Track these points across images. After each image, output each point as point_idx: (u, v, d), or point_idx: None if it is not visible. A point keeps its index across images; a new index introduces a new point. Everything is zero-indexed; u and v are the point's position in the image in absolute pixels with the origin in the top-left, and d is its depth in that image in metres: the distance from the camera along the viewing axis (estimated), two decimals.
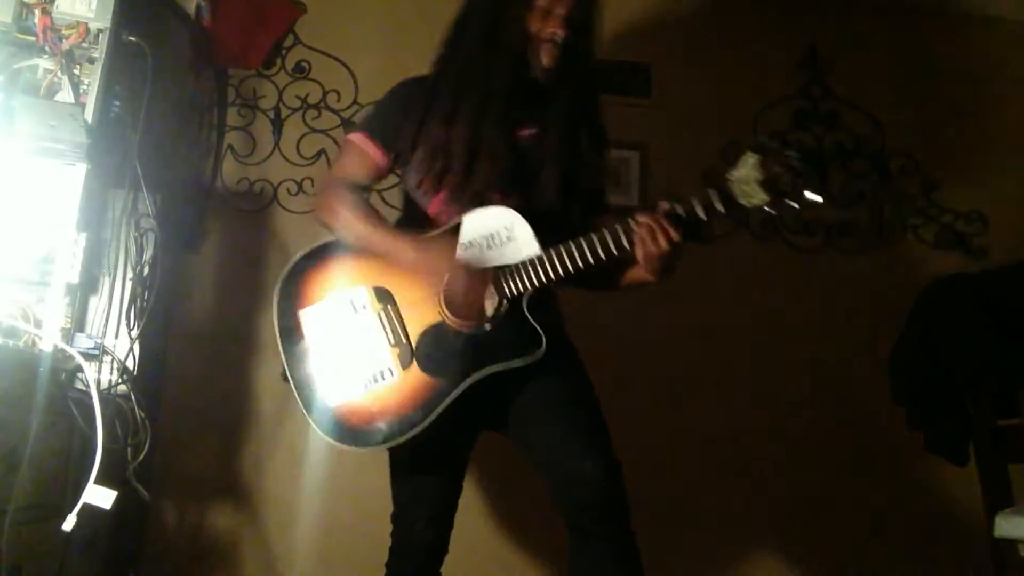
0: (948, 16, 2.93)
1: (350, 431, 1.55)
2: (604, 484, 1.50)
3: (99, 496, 1.53)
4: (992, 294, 2.10)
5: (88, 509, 1.52)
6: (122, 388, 1.89)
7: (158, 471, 2.24)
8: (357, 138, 1.70)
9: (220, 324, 2.49)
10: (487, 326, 1.55)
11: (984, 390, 2.02)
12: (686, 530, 2.45)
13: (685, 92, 2.79)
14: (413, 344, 1.56)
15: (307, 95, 2.68)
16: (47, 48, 1.78)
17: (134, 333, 1.93)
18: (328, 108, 2.67)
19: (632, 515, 1.53)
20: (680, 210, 1.50)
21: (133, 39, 1.87)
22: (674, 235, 1.48)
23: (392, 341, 1.57)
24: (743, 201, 1.49)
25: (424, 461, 1.65)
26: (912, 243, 2.80)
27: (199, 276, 2.51)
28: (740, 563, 2.53)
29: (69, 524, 1.49)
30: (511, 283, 1.55)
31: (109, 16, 1.78)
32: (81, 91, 1.79)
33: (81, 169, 1.77)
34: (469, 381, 1.52)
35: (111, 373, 1.88)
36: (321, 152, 2.65)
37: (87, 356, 1.69)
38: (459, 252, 1.56)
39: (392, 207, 2.37)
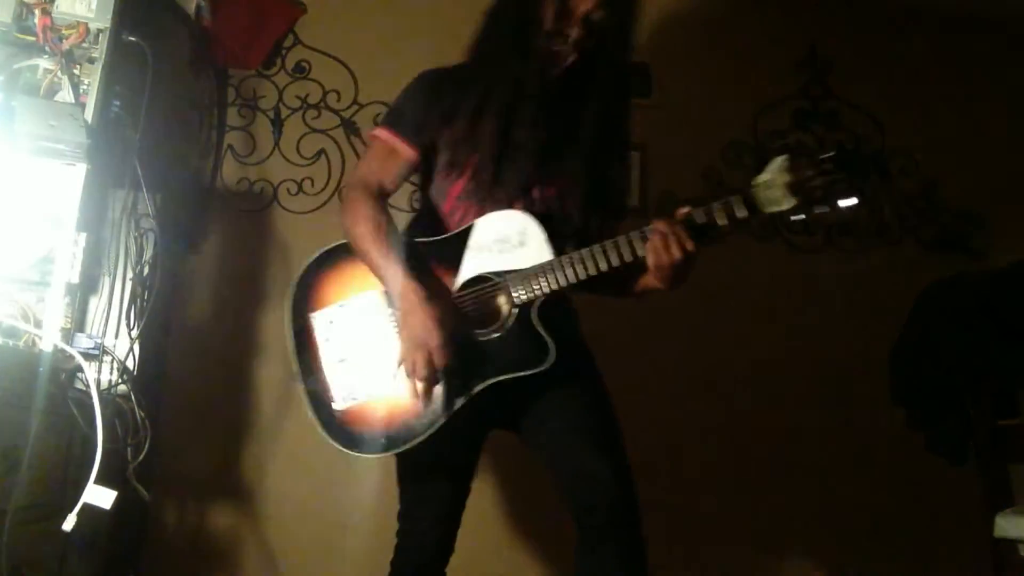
0: (948, 16, 2.93)
1: (356, 437, 1.54)
2: (614, 488, 1.50)
3: (99, 496, 1.53)
4: (992, 294, 2.10)
5: (88, 509, 1.52)
6: (122, 388, 1.89)
7: (158, 471, 2.24)
8: (383, 134, 1.65)
9: (220, 324, 2.49)
10: (496, 334, 1.53)
11: (984, 390, 2.02)
12: (684, 530, 2.45)
13: (685, 92, 2.79)
14: None
15: (307, 95, 2.68)
16: (47, 48, 1.78)
17: (134, 333, 1.94)
18: (328, 108, 2.67)
19: (642, 520, 1.52)
20: (699, 217, 1.47)
21: (133, 39, 1.87)
22: (688, 245, 1.45)
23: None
24: (769, 208, 1.45)
25: (432, 462, 1.63)
26: (912, 243, 2.80)
27: (199, 276, 2.51)
28: (740, 563, 2.52)
29: (69, 524, 1.49)
30: (521, 290, 1.52)
31: (109, 16, 1.78)
32: (81, 91, 1.79)
33: (81, 169, 1.77)
34: (475, 390, 1.51)
35: (111, 373, 1.88)
36: (321, 152, 2.65)
37: (87, 356, 1.69)
38: (465, 260, 1.54)
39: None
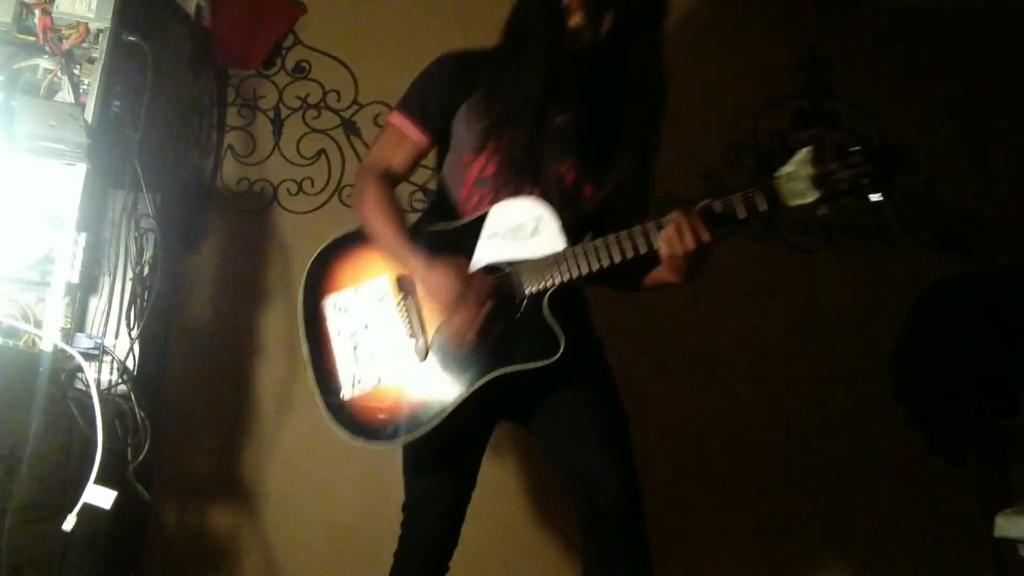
0: (948, 16, 2.93)
1: (363, 425, 1.53)
2: (621, 494, 1.50)
3: (99, 496, 1.53)
4: (992, 295, 2.10)
5: (88, 509, 1.52)
6: (122, 388, 1.89)
7: (158, 471, 2.24)
8: (395, 119, 1.65)
9: (220, 324, 2.49)
10: (507, 323, 1.50)
11: (984, 390, 2.02)
12: (684, 531, 2.45)
13: (685, 92, 2.78)
14: (430, 338, 1.54)
15: (307, 95, 2.68)
16: (47, 48, 1.78)
17: (134, 333, 1.93)
18: (328, 108, 2.67)
19: (647, 520, 1.52)
20: (717, 207, 1.44)
21: (133, 39, 1.87)
22: (704, 235, 1.41)
23: (409, 333, 1.55)
24: (791, 201, 1.41)
25: (438, 454, 1.62)
26: (912, 243, 2.80)
27: (199, 276, 2.51)
28: (739, 563, 2.52)
29: (69, 524, 1.49)
30: (533, 279, 1.50)
31: (109, 16, 1.78)
32: (81, 91, 1.79)
33: (81, 169, 1.77)
34: (483, 381, 1.49)
35: (111, 373, 1.88)
36: (321, 152, 2.65)
37: (87, 356, 1.69)
38: (476, 255, 1.53)
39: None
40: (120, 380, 1.89)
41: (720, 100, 2.80)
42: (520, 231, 1.52)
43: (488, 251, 1.54)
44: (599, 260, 1.47)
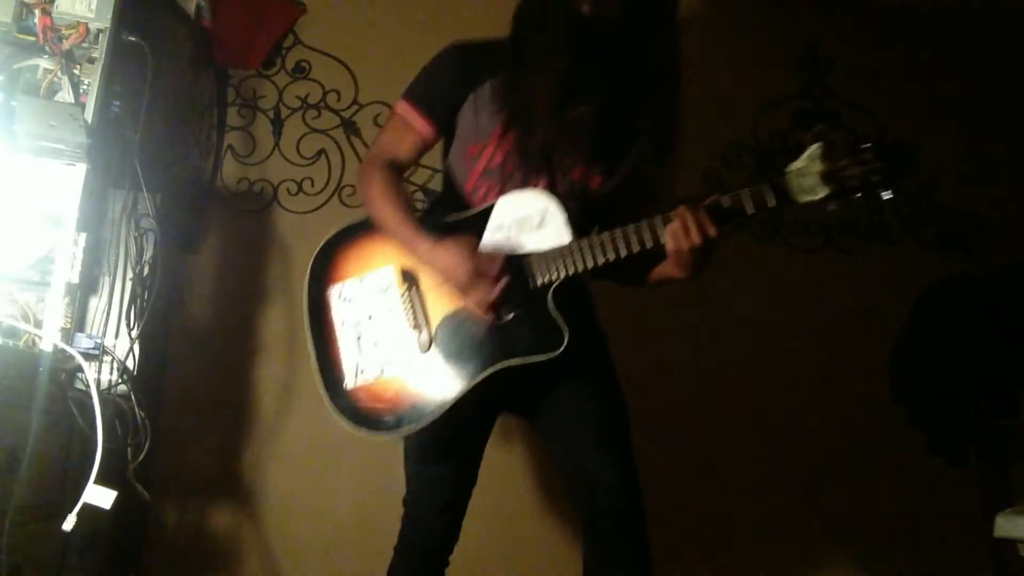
0: (948, 16, 2.93)
1: (364, 415, 1.53)
2: (621, 495, 1.50)
3: (99, 496, 1.53)
4: (993, 295, 2.10)
5: (88, 509, 1.52)
6: (122, 388, 1.89)
7: (158, 471, 2.24)
8: (401, 108, 1.63)
9: (220, 324, 2.49)
10: (511, 315, 1.49)
11: (984, 390, 2.02)
12: (684, 531, 2.45)
13: (685, 92, 2.78)
14: (433, 329, 1.53)
15: (307, 95, 2.68)
16: (47, 48, 1.79)
17: (134, 333, 1.94)
18: (328, 108, 2.67)
19: (647, 520, 1.52)
20: (725, 202, 1.43)
21: (133, 39, 1.87)
22: (710, 230, 1.39)
23: (412, 325, 1.54)
24: (801, 198, 1.40)
25: (440, 446, 1.61)
26: (912, 243, 2.80)
27: (199, 276, 2.51)
28: (739, 563, 2.52)
29: (69, 524, 1.49)
30: (537, 272, 1.49)
31: (109, 16, 1.78)
32: (81, 91, 1.79)
33: (81, 169, 1.77)
34: (486, 374, 1.48)
35: (111, 373, 1.88)
36: (321, 152, 2.65)
37: (87, 356, 1.69)
38: (483, 242, 1.52)
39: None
40: (120, 380, 1.89)
41: (720, 100, 2.80)
42: (526, 223, 1.51)
43: (494, 243, 1.53)
44: (605, 254, 1.46)
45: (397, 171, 1.63)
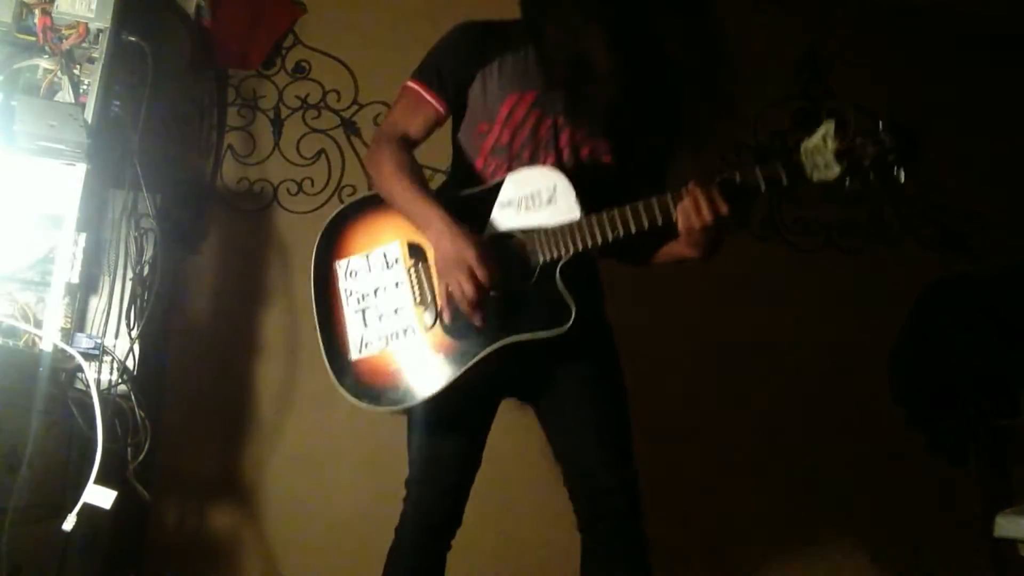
0: (948, 16, 2.93)
1: (367, 388, 1.52)
2: (620, 492, 1.50)
3: (99, 496, 1.53)
4: (993, 294, 2.10)
5: (88, 509, 1.52)
6: (122, 388, 1.89)
7: (158, 471, 2.24)
8: (413, 86, 1.63)
9: (220, 324, 2.49)
10: (518, 291, 1.48)
11: (984, 390, 2.02)
12: (683, 531, 2.45)
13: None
14: (439, 304, 1.52)
15: (307, 95, 2.68)
16: (47, 48, 1.79)
17: (134, 333, 1.94)
18: (328, 108, 2.67)
19: (644, 519, 1.52)
20: (738, 179, 1.41)
21: (133, 39, 1.87)
22: (722, 207, 1.38)
23: (418, 299, 1.53)
24: (813, 174, 1.38)
25: (443, 425, 1.59)
26: (912, 243, 2.80)
27: (199, 276, 2.51)
28: (737, 564, 2.52)
29: (69, 524, 1.49)
30: (546, 248, 1.48)
31: (109, 16, 1.78)
32: (81, 91, 1.79)
33: (81, 169, 1.77)
34: (490, 349, 1.46)
35: (111, 373, 1.88)
36: (321, 152, 2.65)
37: (87, 356, 1.69)
38: (493, 216, 1.51)
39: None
40: (120, 380, 1.89)
41: (720, 100, 2.80)
42: (535, 199, 1.50)
43: (502, 219, 1.52)
44: (614, 231, 1.45)
45: (408, 147, 1.62)
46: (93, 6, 1.77)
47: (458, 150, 1.68)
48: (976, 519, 2.02)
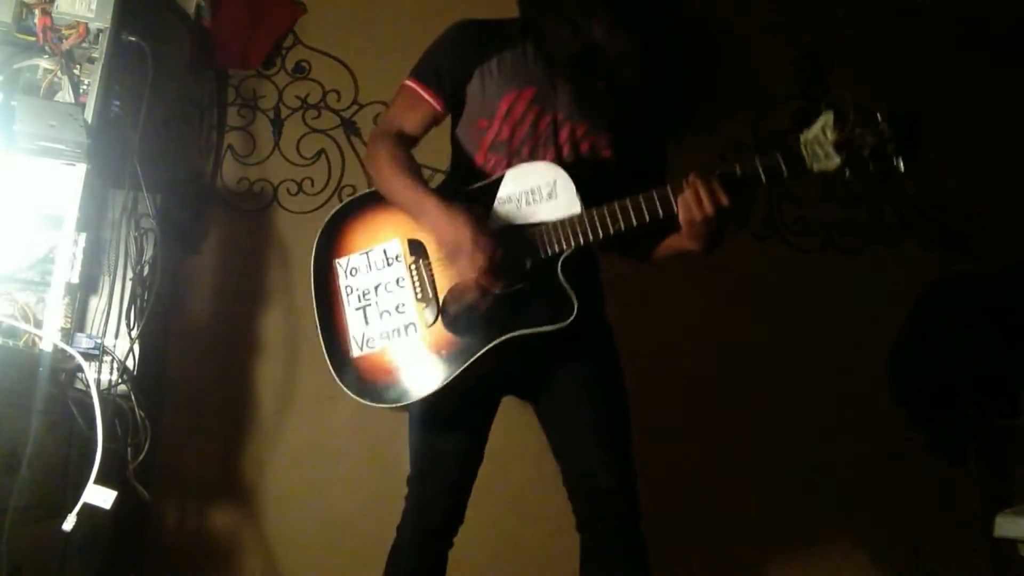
0: (948, 16, 2.93)
1: (369, 385, 1.52)
2: (619, 493, 1.50)
3: (99, 496, 1.53)
4: (993, 294, 2.10)
5: (88, 509, 1.52)
6: (122, 388, 1.89)
7: (158, 471, 2.24)
8: (410, 84, 1.63)
9: (220, 324, 2.49)
10: (518, 286, 1.48)
11: (984, 390, 2.02)
12: (682, 531, 2.45)
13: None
14: (440, 300, 1.52)
15: (307, 95, 2.68)
16: (47, 48, 1.79)
17: (134, 333, 1.94)
18: (328, 108, 2.67)
19: (643, 519, 1.52)
20: (738, 170, 1.41)
21: (133, 39, 1.87)
22: (723, 199, 1.38)
23: (419, 296, 1.53)
24: (813, 165, 1.39)
25: (444, 423, 1.59)
26: (912, 243, 2.80)
27: (199, 276, 2.51)
28: (737, 564, 2.52)
29: (69, 524, 1.49)
30: (547, 242, 1.49)
31: (109, 16, 1.78)
32: (81, 91, 1.79)
33: (81, 169, 1.77)
34: (492, 344, 1.46)
35: (111, 373, 1.88)
36: (321, 152, 2.65)
37: (87, 356, 1.69)
38: (492, 213, 1.51)
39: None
40: (120, 380, 1.89)
41: (720, 100, 2.80)
42: (536, 194, 1.50)
43: (502, 214, 1.52)
44: (615, 224, 1.45)
45: (404, 142, 1.63)
46: (93, 6, 1.77)
47: (457, 147, 1.68)
48: (976, 519, 2.02)
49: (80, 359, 1.64)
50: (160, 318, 2.24)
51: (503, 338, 1.46)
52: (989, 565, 2.00)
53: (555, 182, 1.50)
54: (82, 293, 1.84)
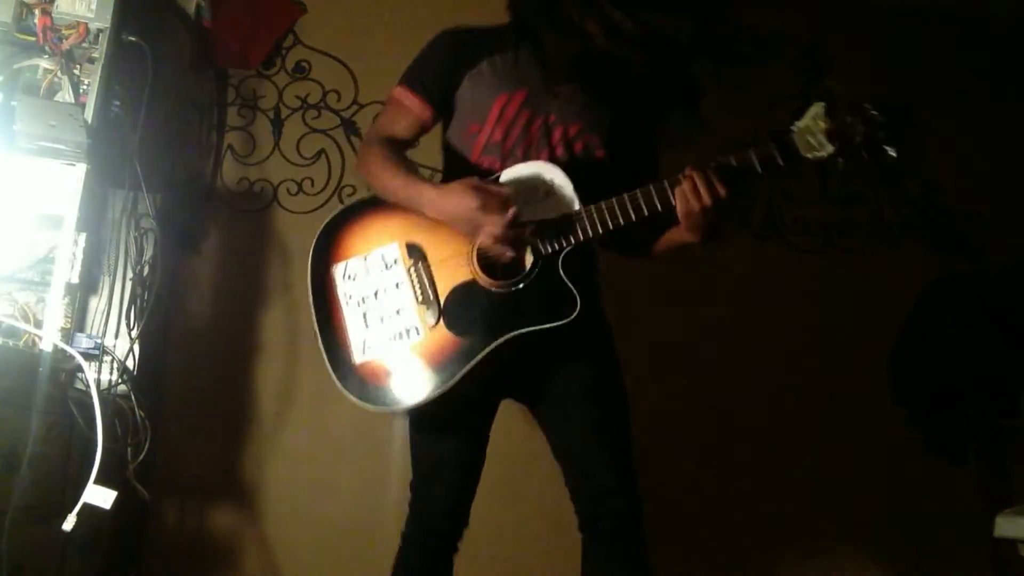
0: (948, 16, 2.93)
1: (372, 390, 1.52)
2: (620, 493, 1.50)
3: (99, 496, 1.53)
4: (993, 294, 2.10)
5: (88, 509, 1.52)
6: (122, 388, 1.89)
7: (158, 471, 2.24)
8: (398, 92, 1.65)
9: (220, 324, 2.49)
10: (519, 286, 1.49)
11: (985, 390, 2.02)
12: (682, 531, 2.45)
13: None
14: (441, 302, 1.52)
15: (307, 95, 2.68)
16: (47, 48, 1.79)
17: (134, 333, 1.94)
18: (328, 108, 2.68)
19: (644, 520, 1.52)
20: (733, 161, 1.43)
21: (133, 39, 1.87)
22: (720, 189, 1.40)
23: (420, 298, 1.53)
24: (807, 153, 1.41)
25: (444, 427, 1.59)
26: (912, 243, 2.80)
27: (199, 276, 2.51)
28: (738, 564, 2.52)
29: (69, 524, 1.49)
30: (547, 240, 1.49)
31: (109, 16, 1.78)
32: (81, 91, 1.79)
33: (81, 169, 1.77)
34: (496, 343, 1.46)
35: (111, 373, 1.88)
36: (321, 152, 2.65)
37: (87, 356, 1.69)
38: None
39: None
40: (120, 380, 1.89)
41: (720, 100, 2.79)
42: (532, 193, 1.50)
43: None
44: (614, 219, 1.46)
45: (395, 145, 1.63)
46: (93, 6, 1.77)
47: (450, 151, 1.69)
48: (976, 519, 2.02)
49: (80, 359, 1.64)
50: (160, 318, 2.24)
51: (507, 336, 1.46)
52: (989, 565, 2.00)
53: (552, 181, 1.50)
54: (82, 293, 1.84)
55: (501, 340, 1.47)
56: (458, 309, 1.51)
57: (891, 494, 2.57)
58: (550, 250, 1.49)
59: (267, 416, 2.46)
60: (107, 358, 1.86)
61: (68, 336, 1.75)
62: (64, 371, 1.71)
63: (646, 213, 1.46)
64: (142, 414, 1.84)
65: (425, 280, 1.54)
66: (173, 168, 2.44)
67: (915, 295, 2.29)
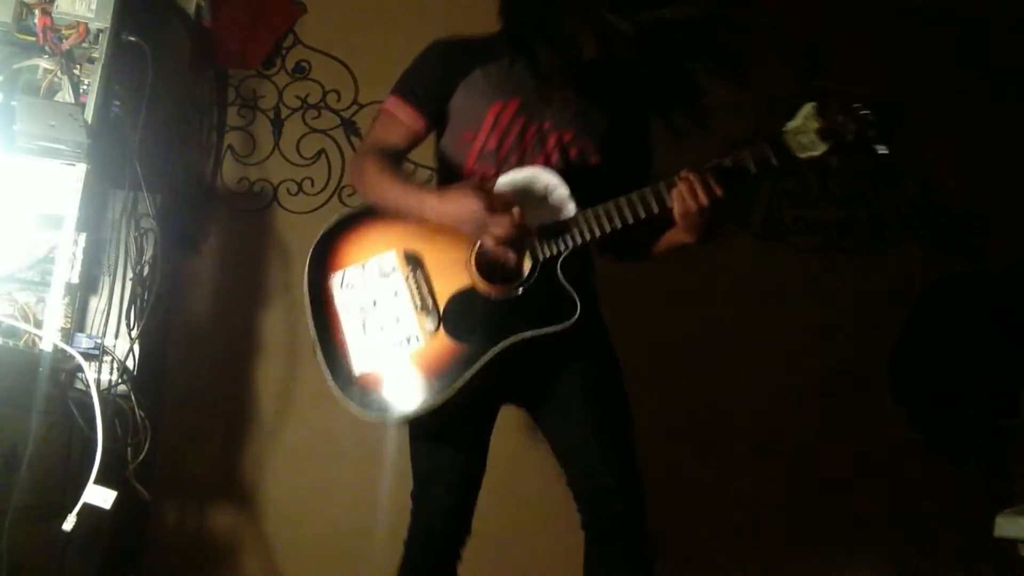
0: (948, 15, 2.93)
1: (373, 399, 1.51)
2: (621, 494, 1.50)
3: (99, 496, 1.53)
4: (993, 294, 2.10)
5: (88, 509, 1.52)
6: (122, 388, 1.89)
7: (158, 471, 2.24)
8: (390, 103, 1.65)
9: (220, 324, 2.49)
10: (519, 290, 1.49)
11: (985, 390, 2.03)
12: (683, 531, 2.45)
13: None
14: (440, 309, 1.52)
15: (307, 95, 2.67)
16: (47, 48, 1.79)
17: (134, 333, 1.94)
18: (328, 108, 2.67)
19: (647, 520, 1.52)
20: (727, 163, 1.45)
21: (133, 39, 1.87)
22: (717, 189, 1.43)
23: (419, 306, 1.53)
24: (799, 153, 1.44)
25: (446, 431, 1.59)
26: (912, 243, 2.80)
27: (199, 276, 2.51)
28: (738, 564, 2.52)
29: (69, 524, 1.49)
30: (545, 245, 1.50)
31: (109, 16, 1.78)
32: (81, 91, 1.79)
33: (81, 169, 1.77)
34: (497, 348, 1.47)
35: (111, 373, 1.88)
36: (321, 152, 2.65)
37: (87, 356, 1.69)
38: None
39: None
40: (120, 380, 1.89)
41: (720, 100, 2.80)
42: (529, 199, 1.50)
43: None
44: (611, 222, 1.47)
45: (388, 155, 1.63)
46: (93, 6, 1.77)
47: (443, 159, 1.69)
48: (976, 519, 2.02)
49: (80, 359, 1.64)
50: (160, 318, 2.24)
51: (508, 341, 1.47)
52: (989, 565, 2.00)
53: (548, 185, 1.51)
54: (82, 293, 1.84)
55: (502, 345, 1.47)
56: (457, 316, 1.51)
57: (891, 494, 2.57)
58: (549, 254, 1.50)
59: (267, 416, 2.46)
60: (107, 358, 1.86)
61: (68, 336, 1.75)
62: (64, 371, 1.71)
63: (643, 215, 1.47)
64: (142, 414, 1.84)
65: (424, 287, 1.54)
66: (173, 168, 2.44)
67: (915, 295, 2.29)
